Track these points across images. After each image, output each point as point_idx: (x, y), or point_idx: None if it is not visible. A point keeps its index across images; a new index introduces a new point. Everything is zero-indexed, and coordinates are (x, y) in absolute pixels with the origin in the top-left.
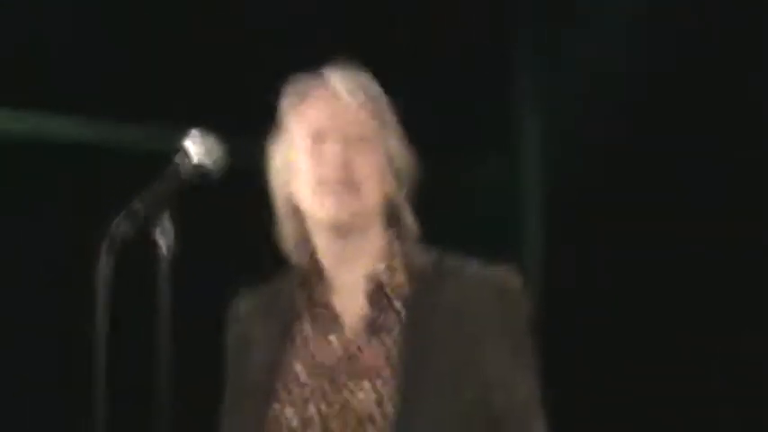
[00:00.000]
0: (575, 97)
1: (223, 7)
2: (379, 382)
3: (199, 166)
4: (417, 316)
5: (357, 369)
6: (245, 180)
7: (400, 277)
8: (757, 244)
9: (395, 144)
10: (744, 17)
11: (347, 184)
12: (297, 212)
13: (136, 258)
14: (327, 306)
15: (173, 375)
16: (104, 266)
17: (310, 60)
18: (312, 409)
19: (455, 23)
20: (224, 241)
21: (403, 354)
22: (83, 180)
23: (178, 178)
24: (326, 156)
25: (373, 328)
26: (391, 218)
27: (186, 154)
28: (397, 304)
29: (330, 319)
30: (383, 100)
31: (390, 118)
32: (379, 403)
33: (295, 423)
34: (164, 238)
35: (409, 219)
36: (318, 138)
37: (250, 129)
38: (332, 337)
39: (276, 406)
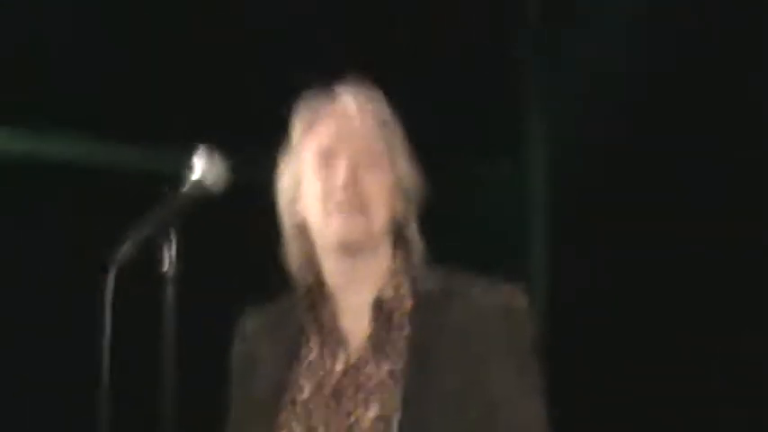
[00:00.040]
0: (575, 97)
1: (223, 9)
2: (384, 403)
3: (204, 185)
4: (423, 336)
5: (363, 389)
6: (252, 197)
7: (406, 298)
8: (757, 244)
9: (403, 165)
10: (744, 17)
11: (356, 203)
12: (303, 232)
13: (140, 278)
14: (334, 326)
15: (177, 396)
16: (108, 287)
17: (310, 61)
18: (319, 430)
19: (455, 23)
20: (230, 259)
21: (408, 374)
22: (86, 200)
23: (183, 198)
24: (335, 175)
25: (379, 348)
26: (398, 238)
27: (191, 173)
28: (404, 324)
29: (336, 340)
30: (393, 120)
31: (399, 138)
32: (385, 423)
33: None
34: (168, 258)
35: (416, 239)
36: (327, 156)
37: (254, 145)
38: (338, 358)
39: (282, 426)
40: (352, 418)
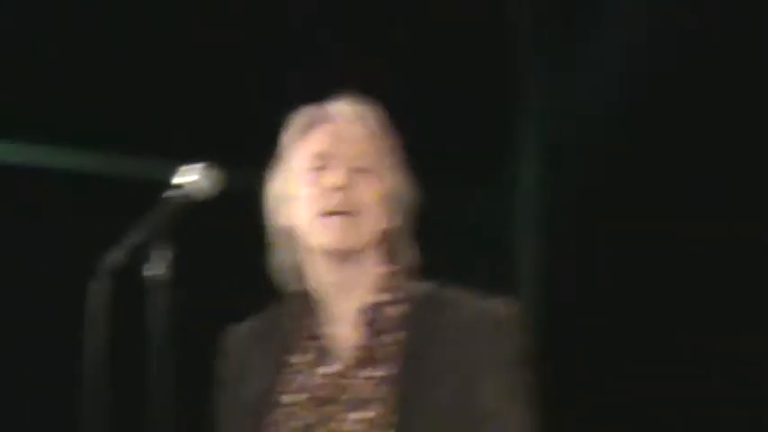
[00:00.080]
0: (575, 97)
1: (223, 11)
2: (372, 413)
3: (194, 192)
4: (412, 347)
5: (351, 399)
6: (244, 203)
7: (396, 308)
8: (757, 244)
9: (396, 176)
10: (744, 17)
11: (348, 207)
12: (291, 238)
13: (131, 287)
14: (322, 336)
15: (167, 402)
16: (98, 296)
17: (311, 61)
18: None
19: (455, 23)
20: (221, 266)
21: (397, 384)
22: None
23: (174, 205)
24: (327, 183)
25: (368, 358)
26: (389, 249)
27: (182, 180)
28: (393, 335)
29: (324, 350)
30: (386, 132)
31: (392, 150)
32: (372, 430)
33: None
34: (158, 267)
35: (408, 251)
36: (320, 161)
37: (246, 154)
38: (326, 368)
39: (268, 431)
40: (340, 424)
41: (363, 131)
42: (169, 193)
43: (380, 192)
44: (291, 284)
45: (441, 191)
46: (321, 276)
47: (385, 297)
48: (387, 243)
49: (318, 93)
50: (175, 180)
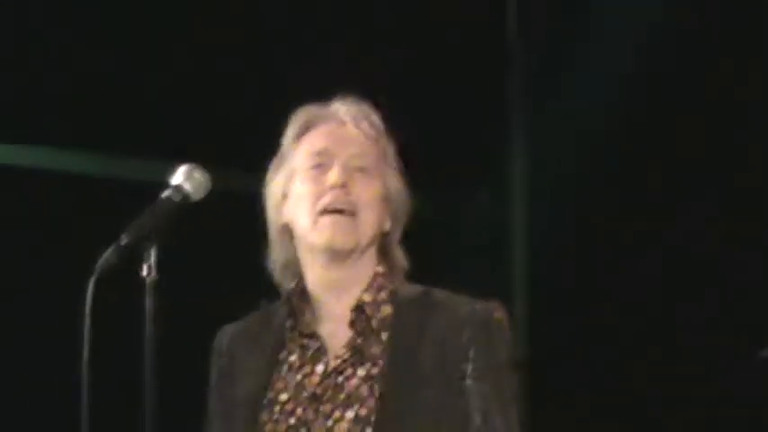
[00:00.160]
0: (574, 97)
1: (223, 11)
2: (362, 411)
3: (185, 193)
4: (402, 346)
5: (341, 397)
6: (236, 204)
7: (387, 308)
8: (757, 244)
9: (393, 180)
10: (744, 17)
11: (346, 206)
12: (288, 236)
13: (124, 288)
14: (314, 335)
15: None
16: (89, 294)
17: (311, 62)
18: None
19: (455, 23)
20: (213, 266)
21: (387, 383)
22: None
23: (164, 206)
24: (327, 182)
25: (358, 357)
26: (383, 251)
27: (172, 181)
28: (383, 334)
29: (316, 348)
30: (385, 135)
31: (391, 153)
32: (364, 427)
33: None
34: (151, 268)
35: (400, 254)
36: (320, 160)
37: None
38: (317, 366)
39: (261, 429)
40: (331, 422)
41: (363, 131)
42: (160, 194)
43: (379, 191)
44: (287, 282)
45: (436, 193)
46: (316, 275)
47: (378, 297)
48: (380, 245)
49: (318, 93)
50: (167, 180)
